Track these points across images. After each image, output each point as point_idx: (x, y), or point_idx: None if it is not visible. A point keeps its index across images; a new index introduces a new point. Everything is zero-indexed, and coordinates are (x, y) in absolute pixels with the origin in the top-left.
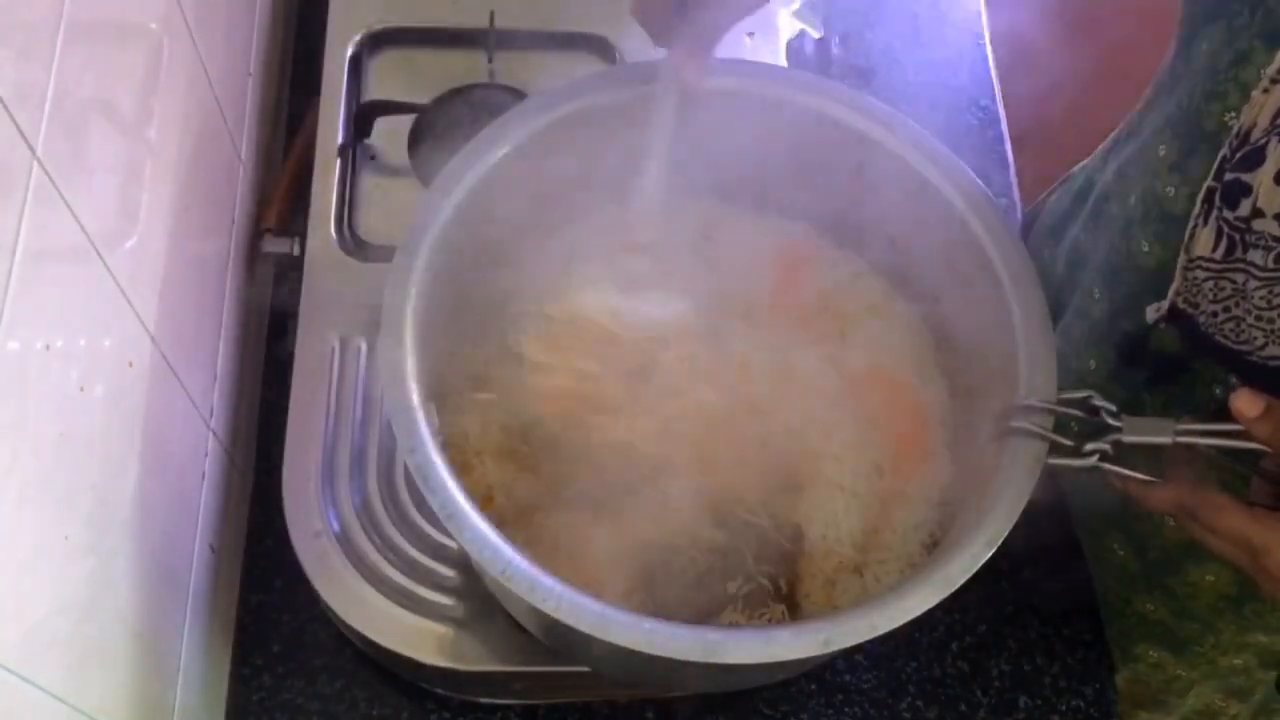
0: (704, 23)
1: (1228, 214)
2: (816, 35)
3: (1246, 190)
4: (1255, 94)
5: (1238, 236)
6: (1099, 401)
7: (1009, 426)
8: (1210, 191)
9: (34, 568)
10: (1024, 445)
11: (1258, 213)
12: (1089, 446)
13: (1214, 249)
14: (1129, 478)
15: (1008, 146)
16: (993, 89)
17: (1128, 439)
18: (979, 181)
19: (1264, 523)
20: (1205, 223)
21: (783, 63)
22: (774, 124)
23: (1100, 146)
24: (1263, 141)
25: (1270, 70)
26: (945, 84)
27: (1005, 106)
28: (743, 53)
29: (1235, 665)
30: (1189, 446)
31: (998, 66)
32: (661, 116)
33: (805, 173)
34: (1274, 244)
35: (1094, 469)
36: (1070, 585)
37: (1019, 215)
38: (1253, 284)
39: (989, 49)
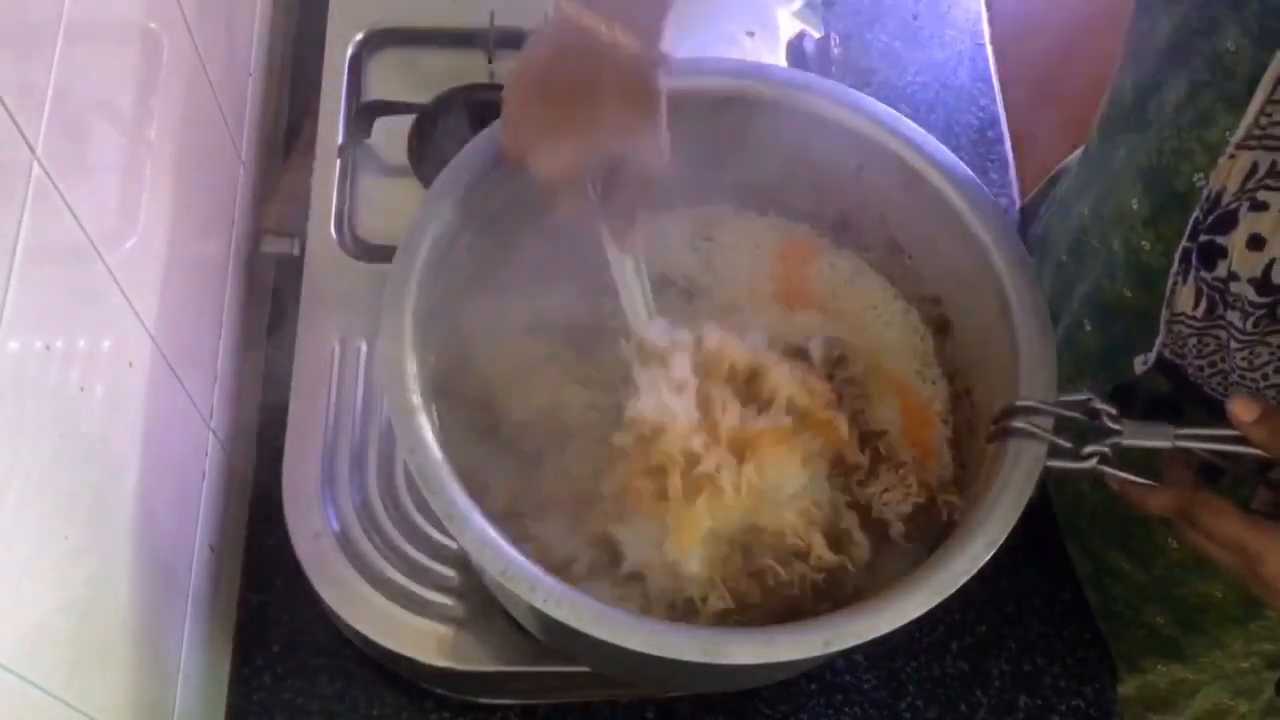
0: (620, 202)
1: (1205, 274)
2: (816, 35)
3: (1222, 252)
4: (1222, 160)
5: (1217, 296)
6: (1099, 404)
7: (1009, 427)
8: (1186, 252)
9: (34, 568)
10: (1024, 446)
11: (1234, 276)
12: (1088, 449)
13: (1195, 307)
14: (1127, 481)
15: (1008, 146)
16: (993, 89)
17: (1127, 442)
18: (978, 181)
19: (1262, 529)
20: (1185, 281)
21: (783, 63)
22: (773, 124)
23: (1074, 155)
24: (1234, 206)
25: (1236, 136)
26: (945, 84)
27: (1005, 105)
28: (743, 52)
29: (1243, 668)
30: (1188, 451)
31: (997, 63)
32: (621, 269)
33: (805, 173)
34: (1251, 309)
35: (1093, 471)
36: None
37: (1019, 215)
38: (1234, 344)
39: (989, 49)
